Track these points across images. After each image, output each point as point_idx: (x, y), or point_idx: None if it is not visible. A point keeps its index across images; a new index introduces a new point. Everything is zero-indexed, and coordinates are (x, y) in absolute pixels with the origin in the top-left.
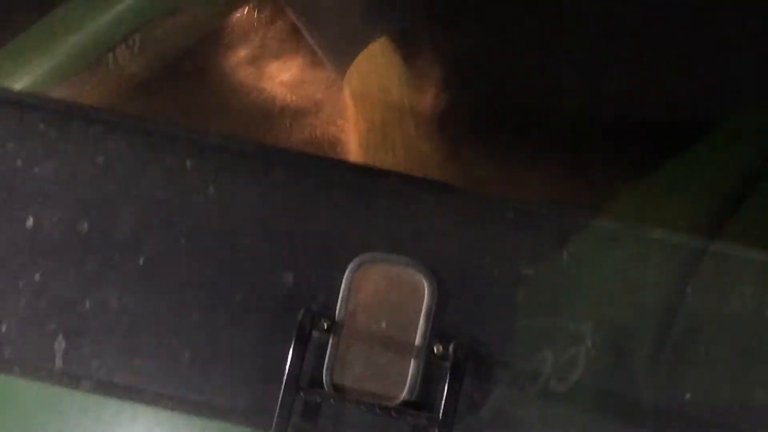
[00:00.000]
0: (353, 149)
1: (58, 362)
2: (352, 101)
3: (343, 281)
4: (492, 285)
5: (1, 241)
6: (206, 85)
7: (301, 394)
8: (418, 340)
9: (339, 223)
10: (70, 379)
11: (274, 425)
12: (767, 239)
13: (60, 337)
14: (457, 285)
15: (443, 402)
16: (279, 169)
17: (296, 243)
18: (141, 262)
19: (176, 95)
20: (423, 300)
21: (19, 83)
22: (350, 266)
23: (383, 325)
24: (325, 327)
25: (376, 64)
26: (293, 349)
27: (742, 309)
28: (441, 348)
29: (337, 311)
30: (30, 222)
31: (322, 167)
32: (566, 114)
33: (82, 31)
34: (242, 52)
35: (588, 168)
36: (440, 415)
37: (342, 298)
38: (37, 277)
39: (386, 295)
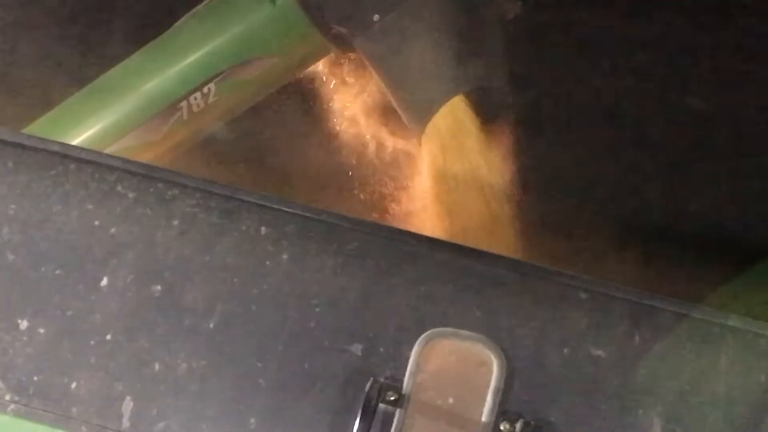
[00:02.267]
0: (429, 208)
1: (125, 423)
2: (429, 159)
3: (412, 355)
4: (561, 364)
5: (76, 300)
6: (278, 140)
7: None
8: (485, 417)
9: (410, 296)
10: None
11: None
12: None
13: (128, 399)
14: (526, 363)
15: None
16: (353, 240)
17: (367, 315)
18: (211, 326)
19: (247, 149)
20: (491, 377)
21: (93, 128)
22: (419, 340)
23: (450, 400)
24: (393, 399)
25: (454, 122)
26: (359, 420)
27: None
28: (508, 426)
29: (404, 384)
30: (104, 282)
31: (396, 240)
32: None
33: (156, 78)
34: (318, 107)
35: (665, 261)
36: None
37: (410, 371)
38: (108, 336)
39: (454, 371)
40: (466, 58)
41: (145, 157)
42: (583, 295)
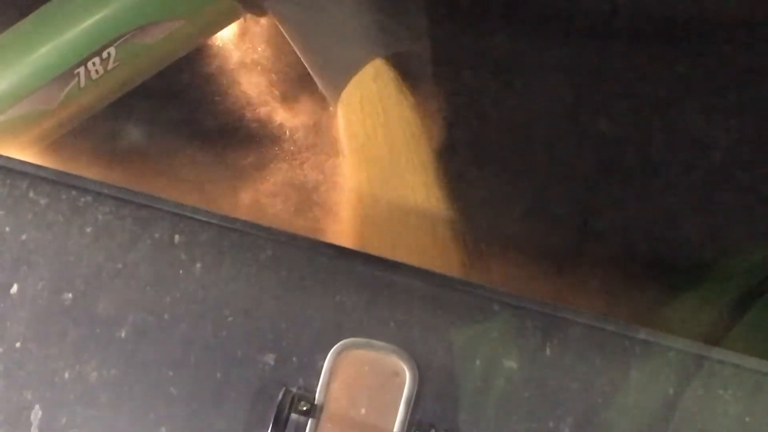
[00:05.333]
0: (346, 180)
1: None
2: (345, 127)
3: (325, 365)
4: (473, 376)
5: None
6: (185, 108)
7: None
8: (396, 428)
9: (324, 306)
10: None
11: None
12: (751, 345)
13: (37, 407)
14: (439, 374)
15: None
16: (267, 249)
17: (280, 324)
18: (123, 335)
19: (152, 118)
20: (403, 387)
21: None
22: (333, 350)
23: (362, 410)
24: (305, 410)
25: (373, 87)
26: (271, 431)
27: (722, 413)
28: None
29: (317, 394)
30: (14, 289)
31: (311, 250)
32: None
33: (50, 42)
34: (226, 73)
35: (575, 279)
36: None
37: (323, 381)
38: (17, 344)
39: (367, 381)
40: (384, 20)
41: (40, 128)
42: (496, 307)
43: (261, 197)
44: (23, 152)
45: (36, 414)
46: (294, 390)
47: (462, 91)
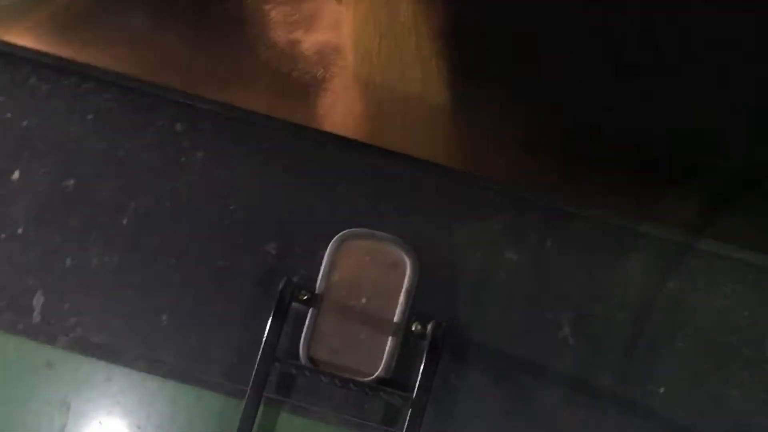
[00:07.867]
0: (351, 71)
1: (36, 317)
2: (350, 18)
3: (326, 255)
4: (474, 267)
5: None
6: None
7: (277, 364)
8: (397, 318)
9: (326, 197)
10: (47, 335)
11: (247, 394)
12: (752, 240)
13: (39, 293)
14: (440, 265)
15: (418, 381)
16: (269, 139)
17: (282, 214)
18: (124, 222)
19: (158, 9)
20: (404, 278)
21: None
22: (334, 240)
23: (363, 300)
24: (305, 298)
25: None
26: (272, 319)
27: (721, 307)
28: (419, 326)
29: (317, 284)
30: (16, 175)
31: (314, 140)
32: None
33: None
34: None
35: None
36: (414, 394)
37: (323, 271)
38: (19, 230)
39: (368, 272)
40: None
41: (43, 13)
42: (498, 200)
43: (267, 89)
44: (25, 38)
45: (38, 299)
46: (295, 279)
47: None
